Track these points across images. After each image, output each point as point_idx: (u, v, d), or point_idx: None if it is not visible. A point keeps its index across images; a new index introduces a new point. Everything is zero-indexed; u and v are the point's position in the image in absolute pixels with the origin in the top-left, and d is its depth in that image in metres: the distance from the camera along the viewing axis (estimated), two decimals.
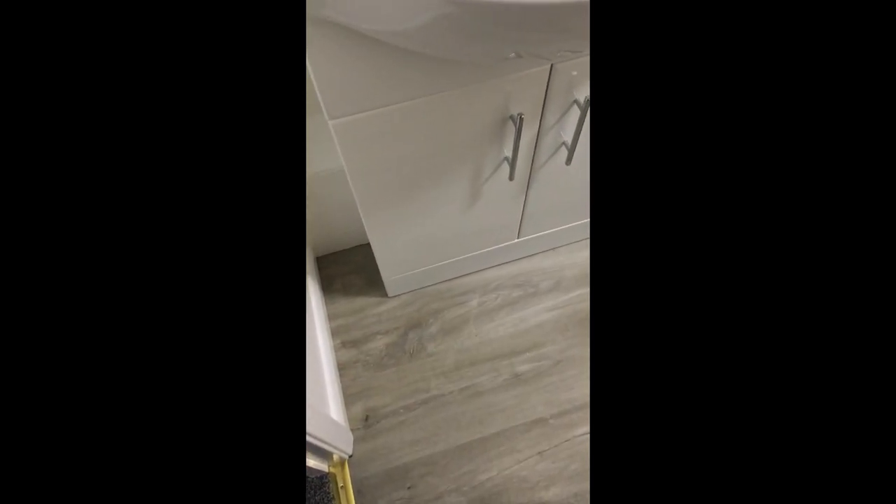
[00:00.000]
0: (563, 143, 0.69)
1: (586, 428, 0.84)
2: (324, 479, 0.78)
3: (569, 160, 0.69)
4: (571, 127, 0.65)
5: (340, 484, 0.79)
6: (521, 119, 0.59)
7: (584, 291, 0.97)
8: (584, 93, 0.60)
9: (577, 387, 0.88)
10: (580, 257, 1.00)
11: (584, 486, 0.80)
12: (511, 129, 0.62)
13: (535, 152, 0.69)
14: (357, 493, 0.80)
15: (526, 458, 0.82)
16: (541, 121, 0.64)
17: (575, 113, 0.63)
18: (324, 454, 0.78)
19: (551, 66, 0.56)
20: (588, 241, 1.01)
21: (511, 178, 0.69)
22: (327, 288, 0.99)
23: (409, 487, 0.81)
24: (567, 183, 0.79)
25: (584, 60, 0.56)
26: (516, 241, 0.93)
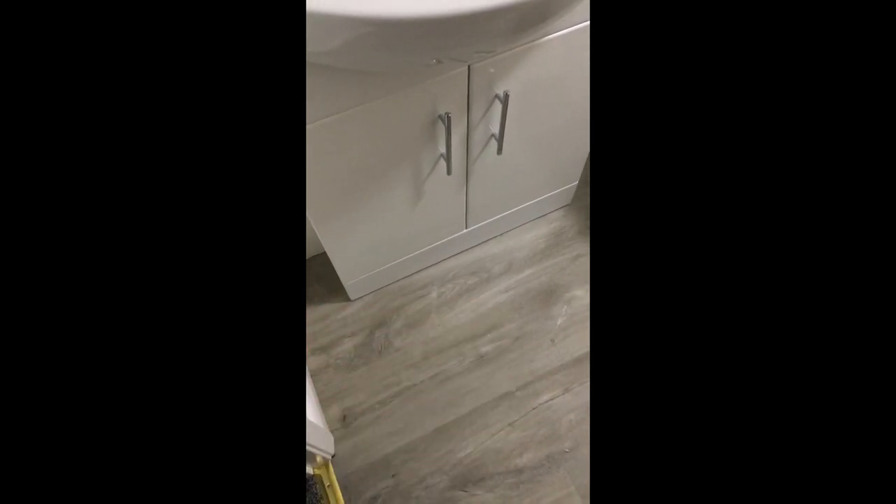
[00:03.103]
0: (493, 136, 0.74)
1: (550, 395, 0.91)
2: (310, 480, 0.81)
3: (499, 150, 0.75)
4: (497, 120, 0.70)
5: (327, 483, 0.82)
6: (449, 118, 0.64)
7: (535, 270, 1.04)
8: (502, 87, 0.66)
9: (538, 359, 0.94)
10: (527, 239, 1.07)
11: (554, 448, 0.86)
12: (442, 128, 0.67)
13: (468, 147, 0.75)
14: (343, 488, 0.83)
15: (498, 430, 0.88)
16: (468, 117, 0.69)
17: (498, 107, 0.68)
18: (308, 457, 0.81)
19: (468, 66, 0.61)
20: (532, 224, 1.08)
21: (449, 172, 0.74)
22: None
23: (392, 476, 0.85)
24: (502, 171, 0.85)
25: (499, 58, 0.62)
26: (465, 231, 0.99)
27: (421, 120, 0.65)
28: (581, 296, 1.00)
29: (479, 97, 0.66)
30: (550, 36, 0.63)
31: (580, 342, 0.96)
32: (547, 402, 0.90)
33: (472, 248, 1.06)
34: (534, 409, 0.90)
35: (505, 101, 0.66)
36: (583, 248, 1.05)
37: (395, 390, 0.92)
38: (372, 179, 0.71)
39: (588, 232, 1.07)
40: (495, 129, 0.73)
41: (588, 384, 0.92)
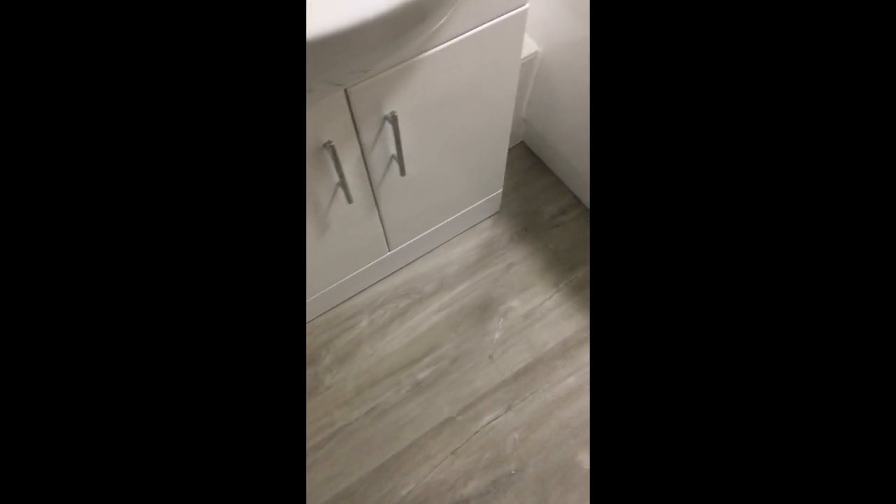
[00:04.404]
0: (393, 157, 0.70)
1: (492, 415, 0.87)
2: None
3: (402, 172, 0.71)
4: (393, 141, 0.66)
5: None
6: (333, 147, 0.59)
7: (468, 285, 1.00)
8: (389, 108, 0.62)
9: (478, 378, 0.91)
10: (457, 253, 1.03)
11: (500, 471, 0.83)
12: (329, 158, 0.62)
13: (367, 171, 0.70)
14: None
15: (440, 461, 0.84)
16: (360, 142, 0.64)
17: (390, 128, 0.64)
18: None
19: (345, 90, 0.56)
20: (461, 237, 1.04)
21: (349, 201, 0.69)
22: None
23: None
24: (413, 191, 0.81)
25: (381, 78, 0.58)
26: (389, 253, 0.94)
27: (306, 150, 0.60)
28: (516, 306, 0.98)
29: (367, 120, 0.62)
30: (432, 51, 0.59)
31: (519, 355, 0.93)
32: (489, 423, 0.87)
33: (400, 269, 1.01)
34: (476, 432, 0.86)
35: (394, 122, 0.62)
36: (515, 257, 1.03)
37: (329, 432, 0.86)
38: None
39: (518, 238, 1.04)
40: (394, 151, 0.69)
41: (529, 399, 0.89)
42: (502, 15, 0.61)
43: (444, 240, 1.03)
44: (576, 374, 0.91)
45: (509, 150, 1.14)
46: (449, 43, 0.59)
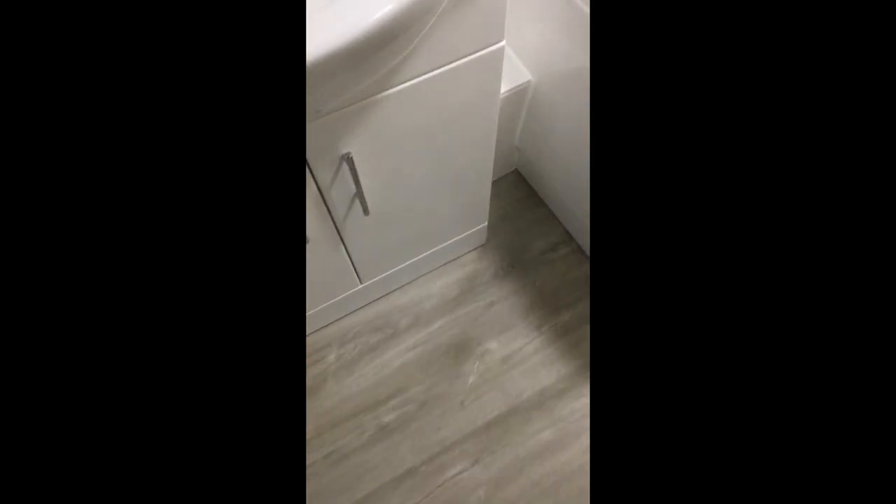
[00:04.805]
0: (355, 195, 0.65)
1: (458, 468, 0.82)
2: None
3: (365, 211, 0.66)
4: (352, 181, 0.61)
5: None
6: None
7: (445, 321, 0.95)
8: (345, 148, 0.56)
9: (445, 426, 0.85)
10: (437, 286, 0.98)
11: None
12: None
13: (329, 211, 0.65)
14: None
15: None
16: (316, 182, 0.59)
17: (346, 168, 0.59)
18: None
19: None
20: (443, 269, 0.99)
21: (305, 241, 0.64)
22: None
23: None
24: (382, 228, 0.76)
25: (334, 118, 0.53)
26: (360, 286, 0.89)
27: None
28: (494, 349, 0.92)
29: (321, 161, 0.57)
30: (391, 90, 0.54)
31: (492, 403, 0.87)
32: (454, 476, 0.81)
33: (375, 300, 0.96)
34: (439, 486, 0.81)
35: (350, 163, 0.57)
36: (497, 294, 0.97)
37: None
38: None
39: (503, 274, 0.99)
40: (355, 190, 0.64)
41: (499, 453, 0.83)
42: (475, 52, 0.56)
43: (423, 272, 0.98)
44: (552, 428, 0.85)
45: (502, 177, 1.09)
46: (412, 82, 0.54)
